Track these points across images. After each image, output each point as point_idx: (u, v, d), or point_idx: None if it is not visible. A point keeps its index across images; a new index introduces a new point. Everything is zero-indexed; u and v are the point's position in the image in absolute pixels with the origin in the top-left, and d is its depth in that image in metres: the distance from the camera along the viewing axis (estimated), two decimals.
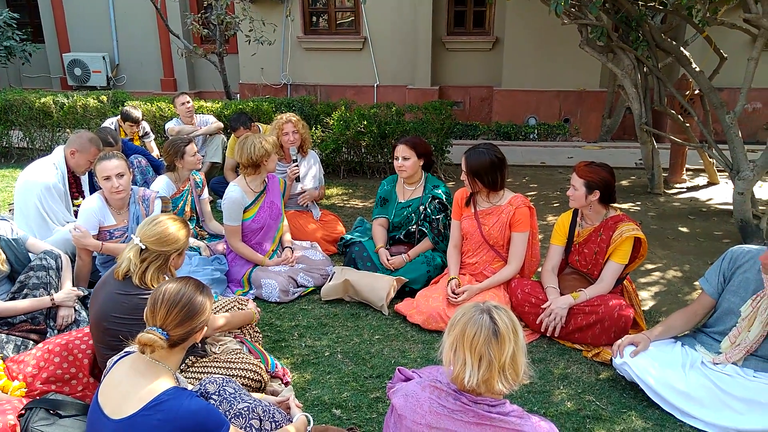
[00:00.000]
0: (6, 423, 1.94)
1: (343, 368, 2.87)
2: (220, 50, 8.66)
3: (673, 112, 5.56)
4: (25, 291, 2.90)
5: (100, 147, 3.89)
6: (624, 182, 6.28)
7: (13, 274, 3.01)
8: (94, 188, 4.29)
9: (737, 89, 5.19)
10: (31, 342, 2.75)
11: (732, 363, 2.59)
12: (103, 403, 1.65)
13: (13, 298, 2.89)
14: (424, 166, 3.81)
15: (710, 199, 5.63)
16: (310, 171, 4.50)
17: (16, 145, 7.04)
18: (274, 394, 2.50)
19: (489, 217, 3.34)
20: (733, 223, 4.62)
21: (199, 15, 8.77)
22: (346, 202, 5.59)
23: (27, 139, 6.92)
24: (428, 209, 3.76)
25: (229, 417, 1.86)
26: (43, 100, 6.60)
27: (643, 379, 2.60)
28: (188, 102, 5.76)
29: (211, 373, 2.35)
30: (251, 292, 3.60)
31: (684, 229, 4.86)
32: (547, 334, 3.11)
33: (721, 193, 5.79)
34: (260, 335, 2.95)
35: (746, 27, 4.43)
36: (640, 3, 5.36)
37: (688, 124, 5.55)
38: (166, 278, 2.30)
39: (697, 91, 5.58)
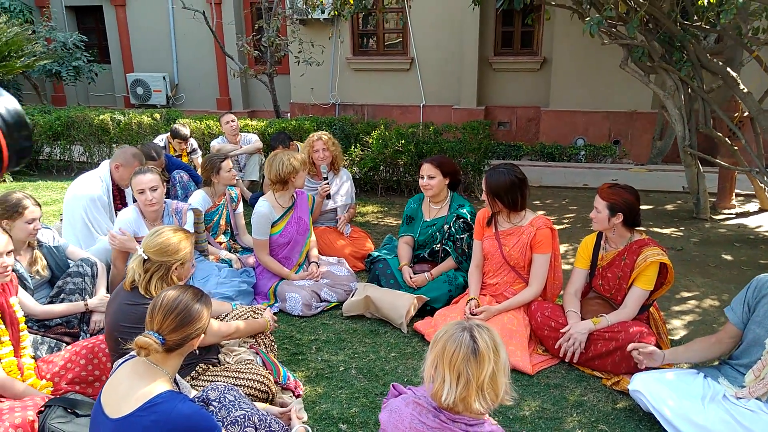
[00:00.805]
0: (25, 418, 2.07)
1: (355, 384, 2.90)
2: (270, 71, 8.98)
3: (720, 135, 5.37)
4: (62, 296, 3.09)
5: (143, 161, 4.10)
6: (669, 206, 6.08)
7: (54, 280, 3.21)
8: None
9: None
10: (64, 344, 2.91)
11: (756, 398, 2.47)
12: (105, 403, 1.75)
13: (51, 302, 3.08)
14: (450, 185, 3.83)
15: (760, 226, 5.37)
16: (342, 188, 4.59)
17: (77, 160, 7.48)
18: (284, 405, 2.55)
19: (510, 238, 3.32)
20: None
21: (251, 37, 9.13)
22: (380, 220, 5.66)
23: (86, 153, 7.36)
24: (453, 228, 3.77)
25: (225, 423, 1.92)
26: (101, 117, 7.02)
27: (658, 409, 2.51)
28: (233, 121, 6.00)
29: (221, 381, 2.43)
30: (276, 305, 3.69)
31: (728, 257, 4.66)
32: (566, 360, 3.05)
33: None
34: (275, 345, 3.03)
35: None
36: (687, 23, 5.24)
37: (736, 147, 5.34)
38: None
39: (746, 114, 5.38)
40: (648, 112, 8.88)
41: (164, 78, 11.95)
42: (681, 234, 5.22)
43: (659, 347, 3.03)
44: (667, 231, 5.28)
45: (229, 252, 4.15)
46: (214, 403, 1.99)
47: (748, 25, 4.80)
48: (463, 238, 3.72)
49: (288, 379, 2.74)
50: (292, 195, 3.83)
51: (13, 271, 2.66)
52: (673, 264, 4.49)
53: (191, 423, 1.69)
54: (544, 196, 6.55)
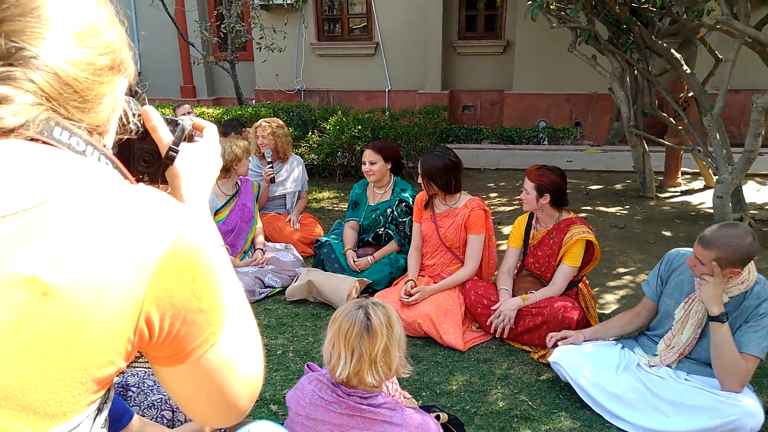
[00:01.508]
0: None
1: (291, 366, 2.98)
2: (232, 58, 8.93)
3: (665, 115, 5.50)
4: None
5: None
6: (619, 186, 6.24)
7: None
8: None
9: (753, 91, 5.13)
10: None
11: (666, 365, 2.61)
12: None
13: None
14: (393, 169, 3.90)
15: (702, 203, 5.55)
16: (292, 174, 4.63)
17: None
18: None
19: (446, 220, 3.41)
20: None
21: (209, 24, 9.05)
22: (335, 206, 5.72)
23: None
24: (395, 212, 3.85)
25: (142, 407, 1.98)
26: None
27: (575, 379, 2.63)
28: (189, 112, 6.00)
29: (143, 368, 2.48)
30: None
31: (667, 233, 4.81)
32: (497, 335, 3.16)
33: None
34: None
35: (726, 29, 4.36)
36: (635, 5, 5.33)
37: (680, 127, 5.48)
38: None
39: (691, 94, 5.51)
40: (607, 93, 8.99)
41: None
42: (626, 212, 5.37)
43: (587, 321, 3.17)
44: (613, 210, 5.43)
45: None
46: (132, 388, 2.04)
47: (696, 8, 4.90)
48: (405, 221, 3.80)
49: None
50: (236, 182, 3.87)
51: None
52: (614, 241, 4.67)
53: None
54: (500, 178, 6.66)
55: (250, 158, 3.84)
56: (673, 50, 5.18)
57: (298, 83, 10.72)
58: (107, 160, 0.68)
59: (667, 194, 5.88)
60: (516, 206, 5.58)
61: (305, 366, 2.14)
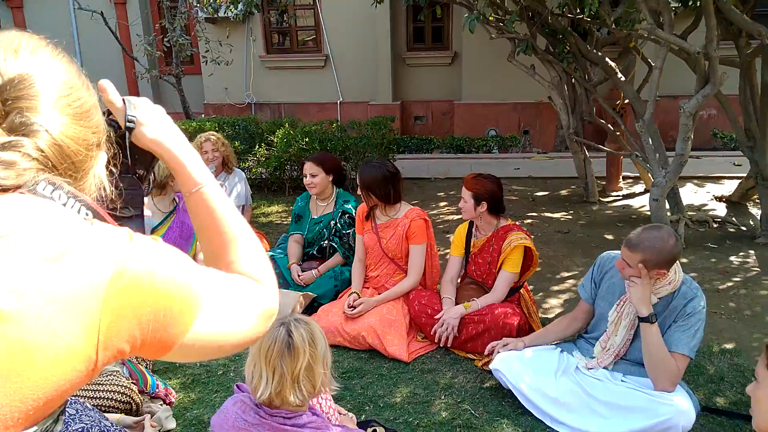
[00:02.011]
0: None
1: (231, 387, 2.88)
2: (177, 72, 8.77)
3: (603, 121, 5.67)
4: None
5: None
6: (563, 192, 6.38)
7: None
8: None
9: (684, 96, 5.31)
10: None
11: (603, 367, 2.65)
12: None
13: None
14: (334, 181, 3.88)
15: (643, 206, 5.72)
16: (235, 189, 4.55)
17: None
18: (152, 413, 2.54)
19: (387, 230, 3.40)
20: None
21: (153, 37, 8.89)
22: (284, 219, 5.65)
23: None
24: (338, 224, 3.83)
25: None
26: None
27: (515, 385, 2.65)
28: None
29: (78, 395, 2.38)
30: None
31: (609, 237, 4.94)
32: (441, 344, 3.16)
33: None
34: None
35: (653, 37, 4.53)
36: (570, 16, 5.48)
37: (618, 133, 5.65)
38: None
39: (627, 101, 5.69)
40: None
41: None
42: (570, 217, 5.49)
43: (530, 326, 3.20)
44: (557, 215, 5.54)
45: None
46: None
47: (628, 18, 5.05)
48: (349, 233, 3.78)
49: (157, 388, 2.71)
50: (174, 199, 3.77)
51: None
52: (558, 246, 4.76)
53: None
54: (449, 187, 6.72)
55: None
56: (608, 59, 5.34)
57: (248, 96, 10.60)
58: (87, 210, 0.76)
59: (610, 198, 6.05)
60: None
61: (235, 386, 2.09)
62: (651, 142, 4.40)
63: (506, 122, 9.61)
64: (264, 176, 6.43)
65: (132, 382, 2.57)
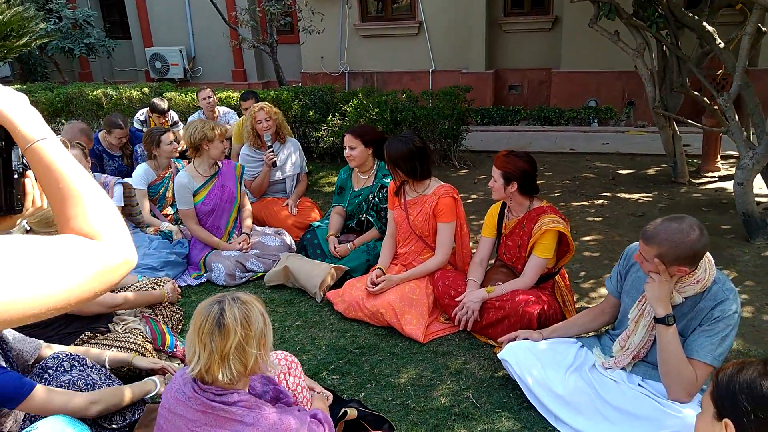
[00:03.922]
0: None
1: None
2: (271, 41, 9.03)
3: (697, 94, 5.06)
4: None
5: (90, 135, 4.28)
6: (650, 170, 5.83)
7: None
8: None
9: None
10: None
11: (621, 368, 2.42)
12: None
13: None
14: (375, 154, 3.81)
15: None
16: (290, 158, 4.63)
17: None
18: (164, 372, 2.69)
19: (414, 207, 3.30)
20: None
21: (252, 8, 9.17)
22: None
23: None
24: (377, 198, 3.77)
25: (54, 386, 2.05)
26: (95, 92, 7.27)
27: (522, 377, 2.49)
28: (209, 97, 6.11)
29: (98, 347, 2.57)
30: (205, 275, 3.82)
31: None
32: (461, 328, 3.05)
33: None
34: (178, 315, 3.15)
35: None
36: None
37: (716, 108, 5.03)
38: None
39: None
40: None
41: (180, 51, 12.15)
42: (650, 199, 5.01)
43: (564, 315, 2.99)
44: (635, 196, 5.08)
45: (171, 224, 4.27)
46: (49, 371, 2.11)
47: None
48: (385, 207, 3.72)
49: (176, 347, 2.86)
50: (216, 164, 3.90)
51: None
52: (627, 230, 4.38)
53: None
54: None
55: (225, 143, 3.85)
56: (705, 23, 4.74)
57: (342, 65, 10.68)
58: None
59: (703, 180, 5.44)
60: None
61: None
62: (737, 119, 3.87)
63: (609, 92, 8.91)
64: (337, 145, 6.48)
65: (148, 341, 2.73)
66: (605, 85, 8.90)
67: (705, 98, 5.11)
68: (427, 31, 10.04)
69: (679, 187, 5.25)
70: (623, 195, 5.13)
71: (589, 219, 4.65)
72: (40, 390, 1.89)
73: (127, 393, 2.15)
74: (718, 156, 5.59)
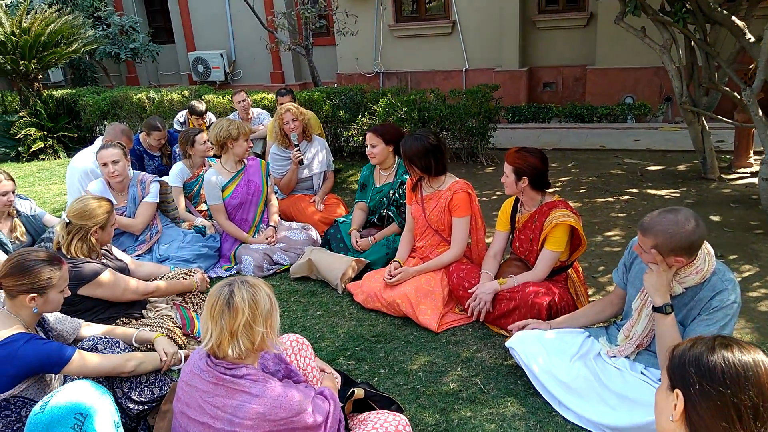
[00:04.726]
0: None
1: None
2: (306, 43, 9.26)
3: (728, 89, 5.00)
4: None
5: (131, 136, 4.55)
6: (681, 167, 5.76)
7: (33, 244, 3.72)
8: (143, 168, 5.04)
9: None
10: None
11: (625, 357, 2.49)
12: None
13: None
14: (396, 151, 3.94)
15: None
16: (317, 156, 4.80)
17: None
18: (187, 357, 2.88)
19: (430, 202, 3.41)
20: None
21: (283, 13, 9.43)
22: None
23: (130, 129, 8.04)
24: (397, 194, 3.90)
25: None
26: (138, 96, 7.64)
27: (528, 365, 2.58)
28: (244, 100, 6.36)
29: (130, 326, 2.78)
30: (235, 267, 4.02)
31: (715, 218, 4.42)
32: (474, 318, 3.15)
33: None
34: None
35: None
36: None
37: (746, 102, 4.95)
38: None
39: None
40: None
41: (221, 55, 12.54)
42: (678, 195, 4.97)
43: (576, 307, 3.05)
44: (662, 192, 5.05)
45: (210, 219, 4.49)
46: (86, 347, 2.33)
47: None
48: (405, 203, 3.84)
49: None
50: (242, 160, 4.10)
51: None
52: None
53: (40, 357, 2.04)
54: (553, 159, 6.39)
55: (249, 142, 4.06)
56: (734, 17, 4.68)
57: (377, 66, 10.83)
58: None
59: (735, 176, 5.36)
60: (556, 187, 5.38)
61: None
62: (760, 114, 3.83)
63: (645, 89, 8.79)
64: (366, 145, 6.62)
65: (178, 326, 2.93)
66: (642, 81, 8.79)
67: (735, 94, 5.05)
68: (461, 30, 10.10)
69: (708, 183, 5.20)
70: (650, 191, 5.11)
71: (613, 215, 4.66)
72: (79, 355, 2.11)
73: (157, 357, 2.36)
74: (751, 152, 5.49)
